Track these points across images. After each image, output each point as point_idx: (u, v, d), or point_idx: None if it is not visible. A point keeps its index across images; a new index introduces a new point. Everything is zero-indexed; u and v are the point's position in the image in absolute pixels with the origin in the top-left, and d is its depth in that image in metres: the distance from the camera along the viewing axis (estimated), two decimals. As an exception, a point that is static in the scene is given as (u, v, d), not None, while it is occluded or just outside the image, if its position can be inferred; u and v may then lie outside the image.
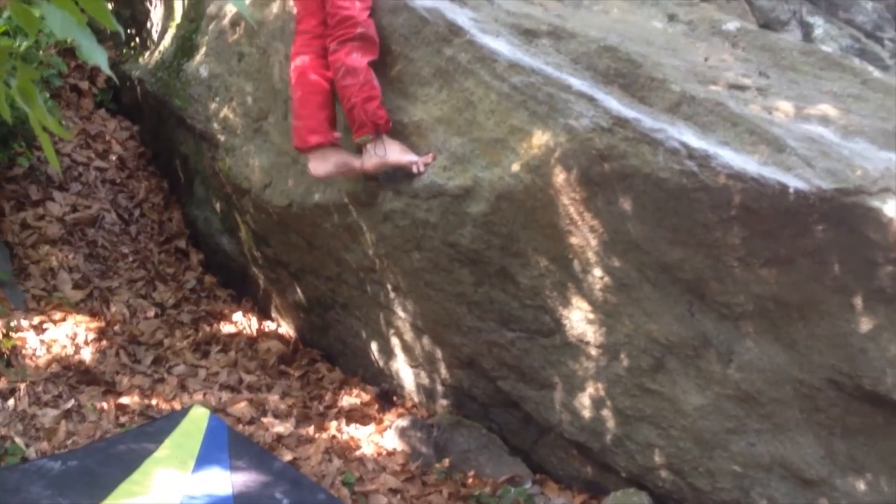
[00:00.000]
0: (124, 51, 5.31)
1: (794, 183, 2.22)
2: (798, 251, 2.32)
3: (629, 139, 2.38)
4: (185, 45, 4.30)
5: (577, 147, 2.46)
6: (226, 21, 3.80)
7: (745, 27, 2.99)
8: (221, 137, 3.82)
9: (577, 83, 2.53)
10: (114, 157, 4.91)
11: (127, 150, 5.02)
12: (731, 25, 2.98)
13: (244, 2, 1.26)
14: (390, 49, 2.94)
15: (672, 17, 3.10)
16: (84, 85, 5.19)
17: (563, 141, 2.49)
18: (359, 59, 2.85)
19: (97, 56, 1.21)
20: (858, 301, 2.28)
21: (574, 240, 2.65)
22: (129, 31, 5.30)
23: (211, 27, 3.94)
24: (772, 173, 2.24)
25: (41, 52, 3.95)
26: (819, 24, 3.23)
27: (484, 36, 2.76)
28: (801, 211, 2.24)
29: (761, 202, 2.26)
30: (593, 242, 2.61)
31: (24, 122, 3.69)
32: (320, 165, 3.01)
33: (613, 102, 2.46)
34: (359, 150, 2.95)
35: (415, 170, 2.88)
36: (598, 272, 2.66)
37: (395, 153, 2.88)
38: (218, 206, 4.23)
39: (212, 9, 3.99)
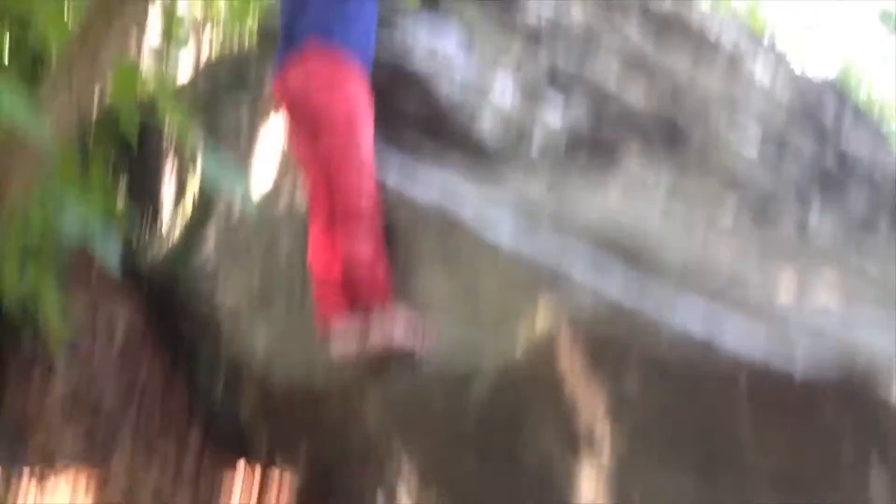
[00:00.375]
0: (135, 236, 5.45)
1: (800, 368, 2.26)
2: (810, 434, 2.33)
3: (632, 321, 2.43)
4: (193, 237, 4.43)
5: (578, 332, 2.51)
6: (234, 213, 3.94)
7: (742, 221, 3.13)
8: (226, 322, 3.87)
9: (578, 265, 2.62)
10: (119, 337, 4.94)
11: (132, 332, 5.05)
12: (728, 219, 3.12)
13: (250, 199, 1.35)
14: (395, 240, 3.05)
15: (669, 212, 3.23)
16: (91, 266, 5.29)
17: (566, 320, 2.54)
18: (364, 246, 2.95)
19: (111, 257, 1.28)
20: (875, 481, 2.27)
21: (581, 421, 2.64)
22: (141, 217, 5.47)
23: (219, 219, 4.08)
24: (777, 356, 2.28)
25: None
26: (814, 220, 3.37)
27: (483, 223, 2.87)
28: (809, 394, 2.26)
29: (768, 385, 2.29)
30: (600, 424, 2.60)
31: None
32: (334, 345, 3.04)
33: (615, 284, 2.53)
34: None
35: (418, 353, 2.91)
36: (605, 452, 2.64)
37: (400, 335, 2.90)
38: (220, 387, 4.22)
39: (220, 203, 4.15)
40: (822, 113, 4.13)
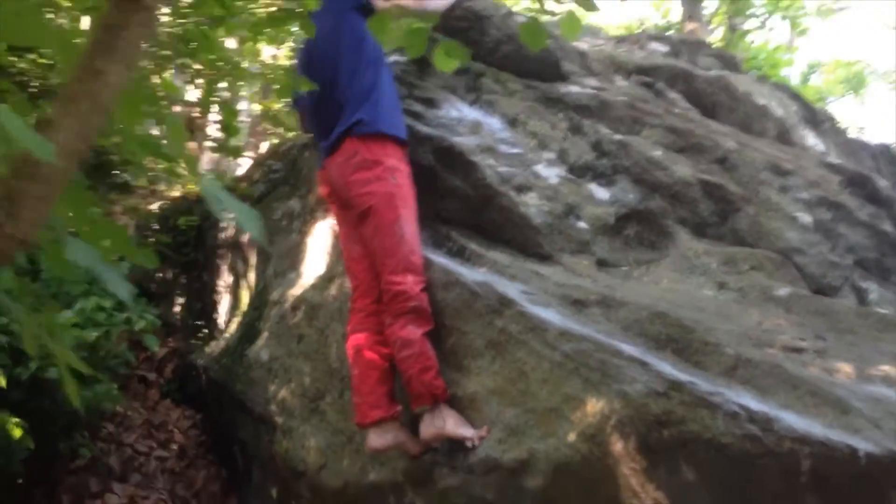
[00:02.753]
0: (192, 341, 5.49)
1: (863, 446, 2.11)
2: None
3: (686, 403, 2.31)
4: (248, 332, 4.44)
5: (632, 413, 2.39)
6: (287, 305, 3.94)
7: (798, 292, 2.99)
8: (279, 419, 3.83)
9: (628, 349, 2.51)
10: (175, 447, 4.92)
11: (188, 439, 5.03)
12: (783, 291, 2.98)
13: (257, 226, 1.29)
14: (444, 323, 2.98)
15: (722, 286, 3.12)
16: (151, 376, 5.33)
17: (618, 407, 2.42)
18: (413, 331, 2.89)
19: (121, 288, 1.25)
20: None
21: (638, 514, 2.50)
22: (197, 322, 5.52)
23: (273, 312, 4.08)
24: (839, 436, 2.13)
25: (110, 343, 4.08)
26: (873, 289, 3.22)
27: (534, 307, 2.79)
28: (873, 476, 2.11)
29: (831, 468, 2.13)
30: (659, 516, 2.46)
31: (88, 410, 3.74)
32: (378, 439, 2.98)
33: (667, 367, 2.42)
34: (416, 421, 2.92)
35: (469, 444, 2.82)
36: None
37: (452, 425, 2.82)
38: (274, 492, 4.15)
39: (274, 295, 4.16)
40: (877, 179, 3.99)
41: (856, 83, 12.88)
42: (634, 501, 2.48)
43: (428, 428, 2.87)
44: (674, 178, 3.52)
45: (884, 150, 4.63)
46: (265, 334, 4.13)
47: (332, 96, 3.15)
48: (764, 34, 9.57)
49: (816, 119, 4.80)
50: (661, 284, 3.12)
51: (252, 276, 4.89)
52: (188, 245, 5.86)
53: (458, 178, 3.39)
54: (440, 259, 3.11)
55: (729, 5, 9.27)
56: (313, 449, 3.57)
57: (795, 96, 4.91)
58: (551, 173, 3.46)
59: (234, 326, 4.76)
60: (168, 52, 5.87)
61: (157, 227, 6.04)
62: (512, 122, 3.63)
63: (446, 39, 2.30)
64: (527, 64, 3.88)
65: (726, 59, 4.94)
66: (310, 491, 3.64)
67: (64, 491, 4.04)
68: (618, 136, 3.65)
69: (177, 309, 5.86)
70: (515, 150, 3.47)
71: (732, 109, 4.29)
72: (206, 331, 5.42)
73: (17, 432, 3.21)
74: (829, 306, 2.87)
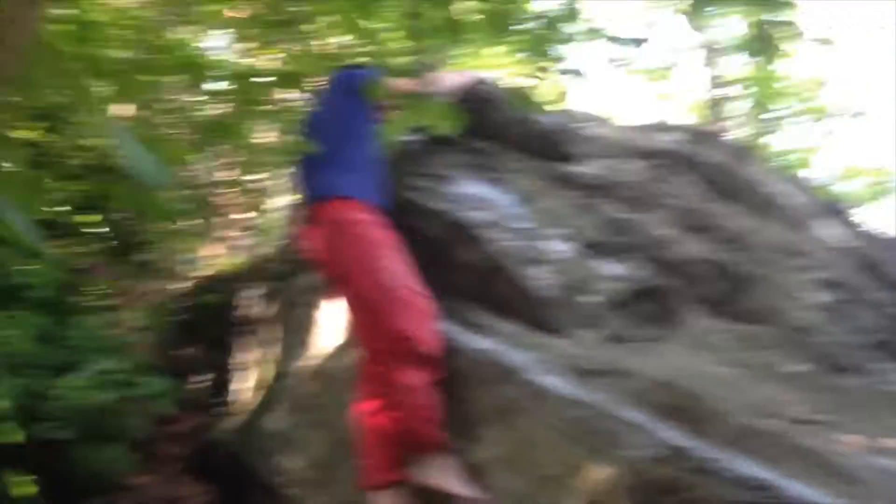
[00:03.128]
0: (214, 418, 5.52)
1: (869, 511, 2.10)
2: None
3: (690, 470, 2.31)
4: (265, 405, 4.47)
5: (636, 480, 2.39)
6: (302, 375, 3.98)
7: (809, 370, 3.00)
8: (292, 492, 3.82)
9: (632, 415, 2.53)
10: (188, 516, 4.91)
11: (202, 508, 5.03)
12: (795, 368, 2.99)
13: (154, 173, 1.34)
14: (452, 392, 3.01)
15: (733, 362, 3.13)
16: (173, 451, 5.35)
17: (623, 474, 2.43)
18: (417, 377, 2.91)
19: (30, 231, 1.29)
20: None
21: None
22: (220, 398, 5.57)
23: (288, 383, 4.11)
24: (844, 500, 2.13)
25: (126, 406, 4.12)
26: (888, 370, 3.21)
27: (539, 375, 2.83)
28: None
29: (836, 533, 2.12)
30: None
31: (102, 475, 3.76)
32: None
33: (671, 433, 2.43)
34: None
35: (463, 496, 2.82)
36: None
37: (453, 481, 2.84)
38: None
39: (291, 367, 4.20)
40: (892, 266, 4.02)
41: (879, 191, 12.91)
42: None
43: (430, 475, 2.89)
44: (686, 255, 3.57)
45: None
46: (280, 405, 4.15)
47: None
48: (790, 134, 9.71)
49: (827, 210, 4.85)
50: (671, 359, 3.14)
51: (272, 350, 4.94)
52: (212, 323, 5.95)
53: (467, 251, 3.46)
54: (446, 329, 3.15)
55: (753, 109, 9.45)
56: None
57: (803, 186, 4.96)
58: (562, 248, 3.52)
59: (252, 401, 4.79)
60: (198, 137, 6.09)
61: (181, 306, 6.15)
62: (524, 199, 3.71)
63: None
64: (537, 143, 3.98)
65: (737, 150, 5.03)
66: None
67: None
68: (629, 215, 3.72)
69: (200, 386, 5.91)
70: (525, 225, 3.54)
71: (741, 197, 4.34)
72: (228, 407, 5.46)
73: (31, 489, 3.23)
74: (840, 383, 2.88)
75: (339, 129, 3.30)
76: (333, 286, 3.31)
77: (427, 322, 2.99)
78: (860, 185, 11.80)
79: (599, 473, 2.51)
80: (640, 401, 2.70)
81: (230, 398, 5.40)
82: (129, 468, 3.91)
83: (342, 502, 3.52)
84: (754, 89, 8.94)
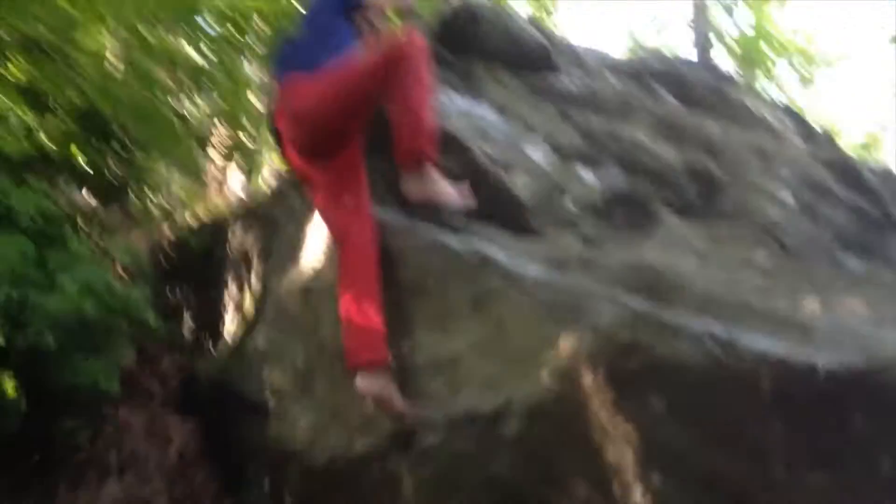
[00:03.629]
0: (197, 358, 5.56)
1: (822, 362, 2.14)
2: (842, 447, 2.18)
3: (651, 330, 2.37)
4: (249, 329, 4.51)
5: (602, 344, 2.44)
6: (283, 292, 4.02)
7: (778, 259, 3.05)
8: (272, 404, 3.87)
9: (600, 290, 2.58)
10: (174, 451, 4.95)
11: (188, 445, 5.04)
12: (763, 257, 3.04)
13: None
14: (427, 288, 3.06)
15: (704, 257, 3.17)
16: (155, 388, 5.39)
17: (589, 341, 2.48)
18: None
19: None
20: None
21: (610, 456, 2.52)
22: (203, 338, 5.60)
23: (270, 301, 4.16)
24: (799, 354, 2.18)
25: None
26: (854, 263, 3.25)
27: (514, 263, 2.87)
28: (835, 394, 2.14)
29: (792, 386, 2.17)
30: (630, 456, 2.48)
31: (87, 389, 3.80)
32: (368, 383, 3.06)
33: (636, 300, 2.47)
34: None
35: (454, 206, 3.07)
36: (638, 494, 2.50)
37: (442, 186, 3.06)
38: (266, 483, 4.16)
39: (273, 287, 4.24)
40: (863, 168, 4.07)
41: (872, 145, 13.01)
42: (606, 440, 2.51)
43: (417, 188, 3.07)
44: (660, 160, 3.61)
45: (887, 172, 4.63)
46: (261, 325, 4.20)
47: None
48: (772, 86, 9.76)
49: (814, 137, 4.89)
50: (643, 253, 3.18)
51: (256, 280, 4.98)
52: (197, 264, 5.98)
53: (449, 159, 3.50)
54: (427, 227, 3.19)
55: (739, 61, 9.49)
56: (303, 428, 3.60)
57: (792, 113, 5.01)
58: (539, 155, 3.56)
59: (237, 330, 4.84)
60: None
61: (168, 249, 6.19)
62: (502, 109, 3.76)
63: None
64: (518, 57, 4.02)
65: (722, 76, 5.07)
66: (299, 473, 3.66)
67: (60, 478, 4.08)
68: (606, 124, 3.76)
69: (186, 327, 5.95)
70: (504, 134, 3.58)
71: (724, 114, 4.38)
72: (214, 345, 5.50)
73: (11, 391, 3.27)
74: (805, 268, 2.93)
75: (326, 20, 3.41)
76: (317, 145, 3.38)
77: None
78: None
79: (565, 344, 2.57)
80: (609, 282, 2.75)
81: (217, 338, 5.45)
82: (112, 390, 3.92)
83: (317, 408, 3.57)
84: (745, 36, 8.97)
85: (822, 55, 9.62)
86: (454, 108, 3.66)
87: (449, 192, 3.08)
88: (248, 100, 6.79)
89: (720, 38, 9.57)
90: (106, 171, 5.57)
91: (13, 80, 4.87)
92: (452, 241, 3.08)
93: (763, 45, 8.91)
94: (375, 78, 3.10)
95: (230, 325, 5.19)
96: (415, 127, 3.03)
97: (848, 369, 2.11)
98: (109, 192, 5.81)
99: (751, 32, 8.95)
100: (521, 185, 3.43)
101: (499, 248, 3.04)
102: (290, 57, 3.44)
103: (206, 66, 6.00)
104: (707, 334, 2.27)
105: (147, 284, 4.75)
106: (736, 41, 9.30)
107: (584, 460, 2.59)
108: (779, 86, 10.10)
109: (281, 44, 3.58)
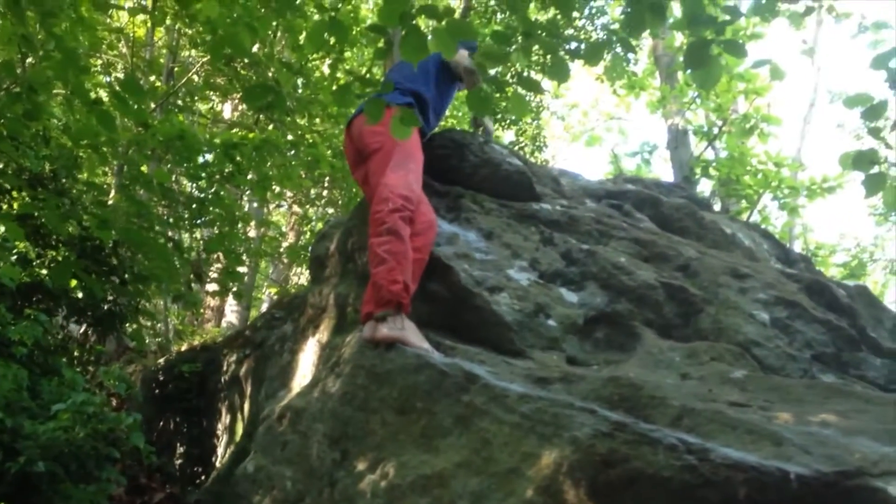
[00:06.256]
0: (189, 488, 5.55)
1: (794, 469, 2.20)
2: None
3: (629, 441, 2.42)
4: (240, 455, 4.53)
5: (581, 457, 2.50)
6: (274, 417, 4.07)
7: (754, 375, 3.13)
8: (261, 528, 3.86)
9: (580, 403, 2.65)
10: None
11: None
12: (740, 374, 3.12)
13: None
14: (415, 406, 3.13)
15: (685, 376, 3.25)
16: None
17: (568, 454, 2.53)
18: (388, 248, 3.40)
19: None
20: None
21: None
22: (196, 468, 5.61)
23: (261, 427, 4.20)
24: (771, 462, 2.23)
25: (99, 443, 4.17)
26: (831, 381, 3.33)
27: (498, 380, 2.95)
28: (806, 499, 2.18)
29: (766, 493, 2.22)
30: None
31: None
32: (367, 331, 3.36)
33: (613, 414, 2.54)
34: None
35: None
36: None
37: (411, 334, 3.28)
38: None
39: (265, 413, 4.29)
40: (835, 288, 4.18)
41: (857, 268, 13.23)
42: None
43: (389, 329, 3.27)
44: (639, 280, 3.74)
45: (862, 290, 4.74)
46: (253, 450, 4.22)
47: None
48: (755, 217, 9.99)
49: (789, 258, 5.04)
50: (621, 371, 3.27)
51: (247, 407, 5.03)
52: (190, 392, 6.03)
53: (435, 282, 3.64)
54: (412, 348, 3.29)
55: (719, 188, 9.74)
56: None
57: (767, 235, 5.17)
58: (523, 278, 3.69)
59: (226, 457, 4.85)
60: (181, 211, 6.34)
61: (161, 377, 6.24)
62: (487, 235, 3.91)
63: (405, 110, 2.64)
64: (502, 186, 4.21)
65: (698, 201, 5.26)
66: None
67: None
68: (586, 246, 3.90)
69: (178, 458, 5.95)
70: (490, 258, 3.73)
71: (700, 236, 4.55)
72: (204, 476, 5.49)
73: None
74: (781, 382, 3.00)
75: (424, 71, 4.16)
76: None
77: (397, 206, 3.53)
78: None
79: (547, 459, 2.62)
80: (590, 396, 2.83)
81: (207, 468, 5.45)
82: (102, 505, 3.93)
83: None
84: (724, 166, 9.25)
85: (810, 184, 9.85)
86: (443, 234, 3.82)
87: (419, 340, 3.32)
88: (244, 231, 7.00)
89: (702, 164, 9.87)
90: (102, 301, 5.67)
91: (13, 211, 5.05)
92: (438, 359, 3.17)
93: (746, 178, 9.16)
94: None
95: (222, 454, 5.21)
96: (391, 277, 3.35)
97: (818, 476, 2.17)
98: (105, 321, 5.89)
99: (731, 162, 9.22)
100: (505, 306, 3.54)
101: (483, 367, 3.13)
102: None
103: (204, 198, 6.22)
104: (683, 445, 2.33)
105: (140, 413, 4.78)
106: (717, 168, 9.57)
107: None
108: (760, 213, 10.33)
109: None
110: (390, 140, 3.73)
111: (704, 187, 10.66)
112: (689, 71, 2.89)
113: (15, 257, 5.25)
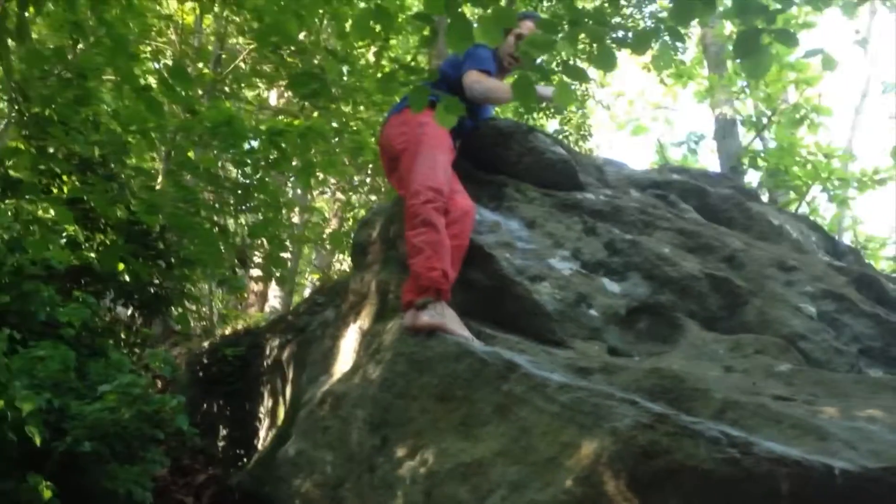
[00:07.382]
0: (230, 470, 5.62)
1: (838, 464, 2.17)
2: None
3: (670, 433, 2.40)
4: (281, 439, 4.58)
5: (621, 448, 2.48)
6: (315, 402, 4.10)
7: (800, 369, 3.08)
8: (301, 510, 3.90)
9: (621, 394, 2.63)
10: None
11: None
12: (785, 367, 3.08)
13: None
14: (454, 394, 3.13)
15: (728, 368, 3.21)
16: (189, 500, 5.43)
17: (609, 444, 2.52)
18: (424, 239, 3.45)
19: None
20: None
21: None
22: (239, 450, 5.68)
23: (302, 412, 4.24)
24: (815, 456, 2.20)
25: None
26: (878, 375, 3.28)
27: (538, 369, 2.94)
28: (851, 495, 2.15)
29: (810, 488, 2.19)
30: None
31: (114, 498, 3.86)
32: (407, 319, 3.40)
33: (656, 405, 2.52)
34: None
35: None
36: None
37: (451, 321, 3.30)
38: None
39: (306, 398, 4.32)
40: (885, 281, 4.11)
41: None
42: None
43: (430, 317, 3.30)
44: (682, 272, 3.70)
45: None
46: (294, 433, 4.26)
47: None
48: (804, 208, 9.86)
49: (838, 251, 4.95)
50: (665, 363, 3.24)
51: (289, 391, 5.07)
52: (234, 375, 6.10)
53: (476, 271, 3.64)
54: (453, 336, 3.29)
55: (767, 179, 9.62)
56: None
57: (815, 227, 5.09)
58: (565, 267, 3.67)
59: (268, 440, 4.90)
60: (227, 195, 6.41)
61: (205, 361, 6.33)
62: (529, 224, 3.90)
63: (447, 96, 2.64)
64: (546, 174, 4.19)
65: (745, 191, 5.19)
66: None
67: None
68: (629, 237, 3.87)
69: (221, 441, 6.03)
70: (531, 247, 3.71)
71: (746, 227, 4.49)
72: (246, 459, 5.56)
73: (48, 493, 3.34)
74: (826, 377, 2.96)
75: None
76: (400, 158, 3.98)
77: (430, 198, 3.59)
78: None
79: (587, 449, 2.61)
80: (631, 387, 2.81)
81: (250, 449, 5.52)
82: (146, 501, 3.98)
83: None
84: (773, 157, 9.12)
85: (861, 176, 9.69)
86: (485, 222, 3.81)
87: (460, 328, 3.33)
88: (288, 217, 7.06)
89: (749, 154, 9.74)
90: (149, 284, 5.76)
91: (63, 196, 5.15)
92: (478, 347, 3.17)
93: (795, 169, 9.03)
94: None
95: (264, 437, 5.27)
96: (430, 265, 3.40)
97: (864, 472, 2.14)
98: (151, 305, 5.98)
99: (780, 153, 9.09)
100: (546, 295, 3.52)
101: (523, 356, 3.12)
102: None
103: (249, 184, 6.29)
104: (725, 438, 2.31)
105: (184, 395, 4.85)
106: (765, 159, 9.44)
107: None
108: (809, 204, 10.18)
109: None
110: (414, 137, 3.85)
111: (752, 178, 10.53)
112: (738, 60, 2.85)
113: (64, 241, 5.34)
